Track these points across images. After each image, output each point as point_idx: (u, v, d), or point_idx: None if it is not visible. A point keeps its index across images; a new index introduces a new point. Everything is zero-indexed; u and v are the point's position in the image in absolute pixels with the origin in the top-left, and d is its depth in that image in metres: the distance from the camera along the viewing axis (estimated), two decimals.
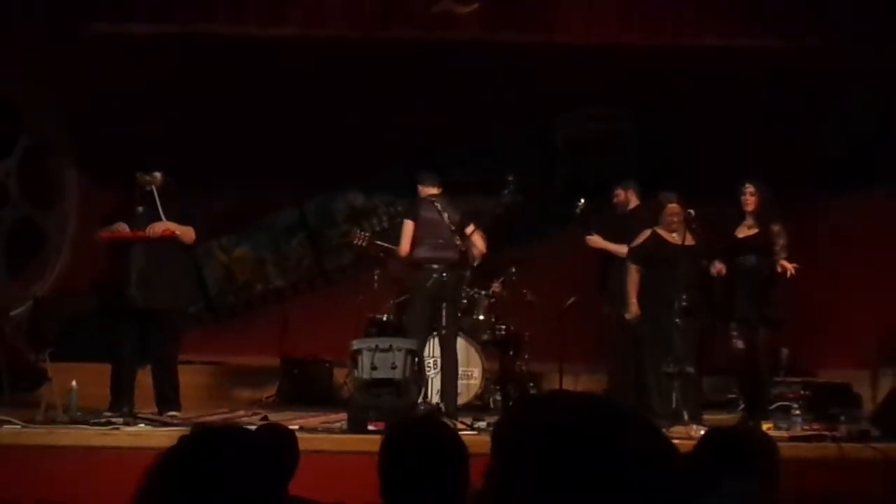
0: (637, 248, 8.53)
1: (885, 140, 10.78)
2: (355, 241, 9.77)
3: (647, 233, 8.50)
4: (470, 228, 8.57)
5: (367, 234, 9.84)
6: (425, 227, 8.56)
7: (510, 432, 1.68)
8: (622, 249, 8.79)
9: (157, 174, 8.24)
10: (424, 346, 8.58)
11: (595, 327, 9.34)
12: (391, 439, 3.16)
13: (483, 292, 9.70)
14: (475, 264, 8.85)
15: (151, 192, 8.19)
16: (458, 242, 8.43)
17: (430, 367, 8.79)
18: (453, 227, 8.44)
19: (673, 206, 8.39)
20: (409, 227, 8.66)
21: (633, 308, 8.42)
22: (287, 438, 4.75)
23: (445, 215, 8.48)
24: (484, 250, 8.71)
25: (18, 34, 10.17)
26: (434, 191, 8.67)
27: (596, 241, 9.22)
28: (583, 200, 9.17)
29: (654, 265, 8.36)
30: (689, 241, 8.26)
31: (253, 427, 5.49)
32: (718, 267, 8.40)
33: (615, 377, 9.06)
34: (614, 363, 9.09)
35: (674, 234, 8.37)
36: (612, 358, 9.14)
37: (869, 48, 10.08)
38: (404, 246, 8.63)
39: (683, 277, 8.13)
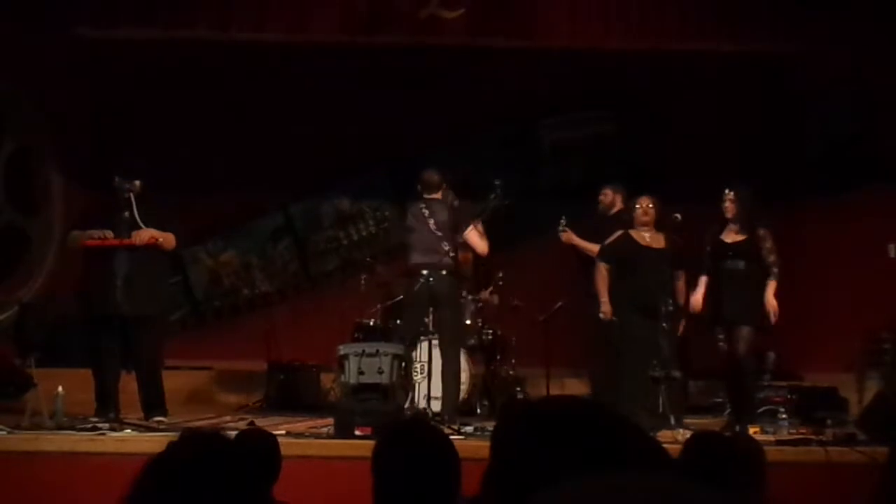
0: (607, 246, 8.50)
1: (866, 142, 10.81)
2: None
3: (619, 233, 8.50)
4: (469, 230, 8.48)
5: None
6: (415, 234, 8.52)
7: (508, 436, 1.70)
8: (595, 248, 8.76)
9: (137, 182, 8.17)
10: (413, 350, 8.58)
11: (581, 332, 9.34)
12: (383, 443, 3.16)
13: (470, 297, 9.69)
14: (476, 265, 8.81)
15: (129, 198, 8.14)
16: (447, 247, 8.38)
17: (416, 371, 8.78)
18: (439, 233, 8.41)
19: (641, 208, 8.37)
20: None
21: (606, 306, 8.30)
22: (270, 443, 4.76)
23: (431, 221, 8.45)
24: (485, 250, 8.66)
25: (1, 38, 10.13)
26: (432, 195, 8.57)
27: (569, 237, 9.21)
28: (564, 219, 9.20)
29: (622, 265, 8.33)
30: (660, 243, 8.25)
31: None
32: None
33: (597, 381, 9.06)
34: (596, 367, 9.08)
35: (646, 236, 8.34)
36: (594, 361, 9.14)
37: (848, 52, 10.12)
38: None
39: (667, 282, 8.14)
